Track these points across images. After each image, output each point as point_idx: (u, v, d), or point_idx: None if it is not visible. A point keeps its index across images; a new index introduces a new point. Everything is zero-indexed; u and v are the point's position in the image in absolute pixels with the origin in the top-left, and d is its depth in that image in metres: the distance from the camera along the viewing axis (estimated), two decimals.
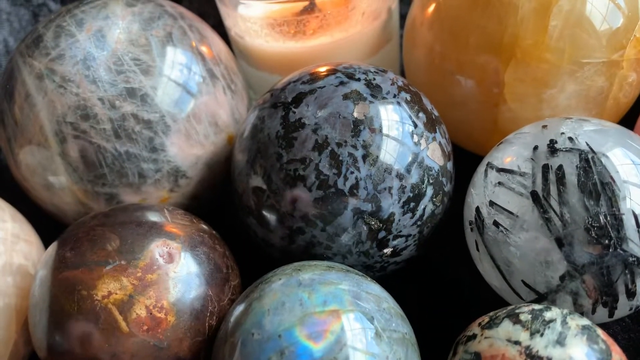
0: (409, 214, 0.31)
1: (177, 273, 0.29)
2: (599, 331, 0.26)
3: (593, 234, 0.27)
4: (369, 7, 0.38)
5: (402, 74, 0.43)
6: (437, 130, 0.32)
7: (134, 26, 0.35)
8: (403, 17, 0.42)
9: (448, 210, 0.34)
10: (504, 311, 0.28)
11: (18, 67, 0.35)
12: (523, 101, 0.34)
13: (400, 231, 0.31)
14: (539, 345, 0.25)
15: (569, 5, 0.32)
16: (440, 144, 0.32)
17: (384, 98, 0.31)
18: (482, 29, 0.34)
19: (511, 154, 0.31)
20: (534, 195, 0.29)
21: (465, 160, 0.37)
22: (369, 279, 0.30)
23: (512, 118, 0.35)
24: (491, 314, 0.28)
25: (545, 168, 0.29)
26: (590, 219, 0.27)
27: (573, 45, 0.33)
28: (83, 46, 0.34)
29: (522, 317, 0.27)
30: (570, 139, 0.29)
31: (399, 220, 0.31)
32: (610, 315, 0.29)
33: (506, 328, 0.27)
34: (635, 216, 0.27)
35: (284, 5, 0.37)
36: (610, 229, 0.27)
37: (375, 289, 0.29)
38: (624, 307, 0.29)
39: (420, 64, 0.38)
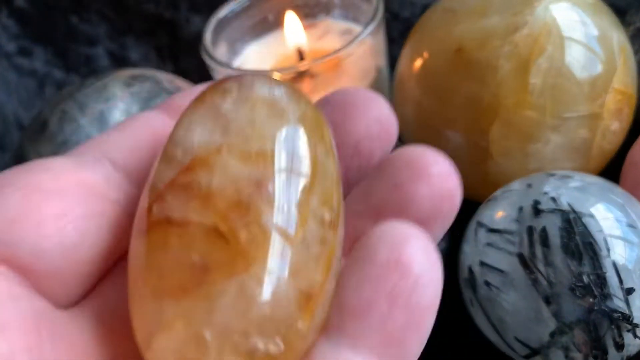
0: None
1: None
2: None
3: (578, 293, 0.29)
4: (357, 68, 0.40)
5: None
6: None
7: (133, 107, 0.37)
8: (394, 58, 0.43)
9: (445, 266, 0.35)
10: None
11: (27, 153, 0.37)
12: (509, 156, 0.35)
13: None
14: None
15: (547, 63, 0.34)
16: None
17: None
18: (465, 89, 0.35)
19: (499, 214, 0.32)
20: (520, 256, 0.30)
21: (464, 208, 0.38)
22: None
23: (501, 172, 0.36)
24: None
25: (530, 230, 0.30)
26: (574, 279, 0.29)
27: (553, 100, 0.34)
28: (86, 131, 0.36)
29: None
30: (553, 199, 0.30)
31: None
32: None
33: None
34: (618, 273, 0.29)
35: (277, 73, 0.39)
36: (593, 288, 0.29)
37: None
38: (615, 359, 0.30)
39: (409, 120, 0.39)
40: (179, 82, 0.40)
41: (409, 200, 0.19)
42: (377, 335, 0.17)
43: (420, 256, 0.17)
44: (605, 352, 0.30)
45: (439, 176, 0.19)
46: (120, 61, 0.53)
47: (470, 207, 0.36)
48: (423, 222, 0.19)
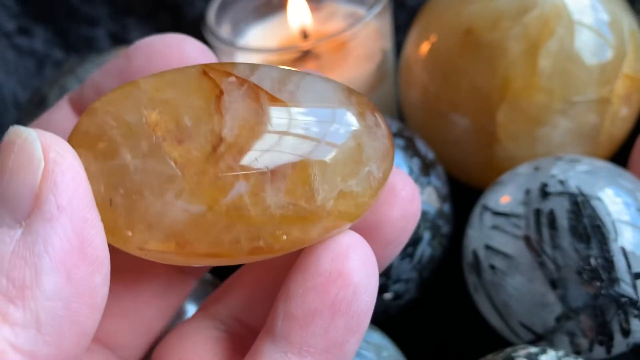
0: (408, 259, 0.32)
1: None
2: None
3: (585, 277, 0.28)
4: (362, 51, 0.39)
5: (399, 110, 0.44)
6: (432, 174, 0.33)
7: None
8: (400, 46, 0.43)
9: (448, 250, 0.34)
10: (500, 355, 0.28)
11: None
12: (517, 140, 0.35)
13: (400, 276, 0.32)
14: None
15: (556, 46, 0.33)
16: (435, 187, 0.33)
17: None
18: (473, 71, 0.35)
19: (505, 197, 0.31)
20: (526, 239, 0.29)
21: (469, 195, 0.38)
22: (370, 326, 0.30)
23: (508, 157, 0.35)
24: (488, 357, 0.29)
25: (537, 212, 0.30)
26: (581, 262, 0.28)
27: (562, 84, 0.33)
28: None
29: None
30: (561, 182, 0.30)
31: (398, 266, 0.32)
32: (608, 352, 0.30)
33: None
34: (626, 257, 0.28)
35: (281, 54, 0.38)
36: (601, 271, 0.28)
37: (376, 337, 0.30)
38: (620, 345, 0.29)
39: (415, 104, 0.39)
40: None
41: (382, 222, 0.21)
42: (321, 341, 0.18)
43: (359, 266, 0.18)
44: (611, 338, 0.29)
45: (407, 198, 0.21)
46: (121, 43, 0.53)
47: (474, 192, 0.36)
48: (391, 242, 0.21)
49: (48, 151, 0.15)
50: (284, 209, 0.18)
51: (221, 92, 0.19)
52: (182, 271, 0.23)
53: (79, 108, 0.22)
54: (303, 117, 0.19)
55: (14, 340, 0.14)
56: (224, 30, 0.41)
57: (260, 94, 0.19)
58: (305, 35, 0.42)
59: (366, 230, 0.20)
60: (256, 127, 0.18)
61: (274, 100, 0.19)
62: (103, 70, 0.22)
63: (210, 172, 0.18)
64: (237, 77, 0.19)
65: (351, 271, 0.18)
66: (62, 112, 0.22)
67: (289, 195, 0.18)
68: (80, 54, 0.52)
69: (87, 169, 0.17)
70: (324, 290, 0.18)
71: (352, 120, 0.19)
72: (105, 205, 0.17)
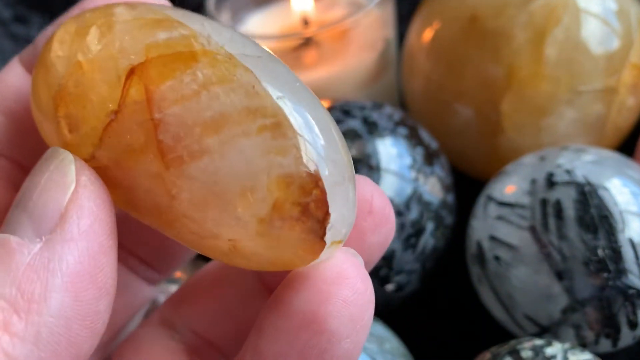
0: (410, 250, 0.31)
1: None
2: None
3: (592, 268, 0.27)
4: (365, 39, 0.39)
5: (402, 101, 0.43)
6: (436, 163, 0.33)
7: None
8: (403, 36, 0.42)
9: (451, 242, 0.34)
10: (505, 347, 0.28)
11: None
12: (522, 130, 0.34)
13: (402, 267, 0.31)
14: None
15: (562, 34, 0.32)
16: (439, 177, 0.32)
17: (380, 135, 0.32)
18: (477, 59, 0.34)
19: (510, 187, 0.31)
20: (532, 229, 0.29)
21: (472, 187, 0.37)
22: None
23: (512, 147, 0.35)
24: (493, 349, 0.28)
25: (543, 202, 0.29)
26: (588, 253, 0.28)
27: (568, 73, 0.33)
28: None
29: (524, 353, 0.27)
30: (568, 171, 0.29)
31: (400, 256, 0.31)
32: (614, 345, 0.29)
33: None
34: (634, 248, 0.28)
35: (282, 41, 0.38)
36: (608, 262, 0.27)
37: (378, 329, 0.29)
38: (626, 338, 0.29)
39: (418, 93, 0.38)
40: None
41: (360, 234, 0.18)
42: None
43: (340, 310, 0.16)
44: (617, 330, 0.28)
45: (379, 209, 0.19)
46: None
47: (477, 183, 0.35)
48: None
49: (80, 175, 0.16)
50: None
51: (117, 112, 0.16)
52: (140, 274, 0.22)
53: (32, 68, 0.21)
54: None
55: (11, 351, 0.14)
56: (224, 18, 0.41)
57: (149, 144, 0.16)
58: (306, 22, 0.41)
59: None
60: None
61: (161, 160, 0.16)
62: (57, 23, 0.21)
63: None
64: (149, 105, 0.16)
65: (327, 316, 0.15)
66: (14, 72, 0.20)
67: None
68: None
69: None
70: (295, 336, 0.16)
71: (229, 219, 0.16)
72: None
